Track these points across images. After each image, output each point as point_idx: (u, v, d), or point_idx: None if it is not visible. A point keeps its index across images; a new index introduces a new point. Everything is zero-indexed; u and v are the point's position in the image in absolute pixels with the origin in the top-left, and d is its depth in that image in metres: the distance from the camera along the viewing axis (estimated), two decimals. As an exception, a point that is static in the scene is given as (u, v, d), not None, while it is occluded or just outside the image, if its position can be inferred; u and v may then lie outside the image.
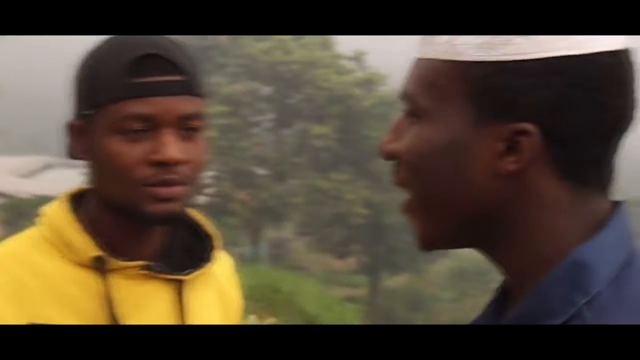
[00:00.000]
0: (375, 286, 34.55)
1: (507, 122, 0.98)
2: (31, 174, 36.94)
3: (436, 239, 1.08)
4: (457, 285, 35.68)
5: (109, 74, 1.48)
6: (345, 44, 32.79)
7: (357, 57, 33.31)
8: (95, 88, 1.50)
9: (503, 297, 1.11)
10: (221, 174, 29.70)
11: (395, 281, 36.05)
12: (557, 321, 0.97)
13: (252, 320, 11.83)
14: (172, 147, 1.48)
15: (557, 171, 1.00)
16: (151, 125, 1.48)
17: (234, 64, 31.04)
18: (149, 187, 1.48)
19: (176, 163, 1.48)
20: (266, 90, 31.91)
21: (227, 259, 1.76)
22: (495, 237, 1.04)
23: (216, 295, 1.68)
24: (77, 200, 1.59)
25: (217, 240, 1.66)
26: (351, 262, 35.84)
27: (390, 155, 1.09)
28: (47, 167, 37.87)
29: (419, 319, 32.83)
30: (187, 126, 1.50)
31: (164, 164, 1.48)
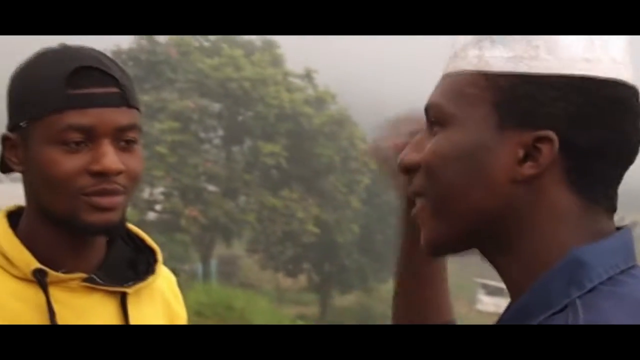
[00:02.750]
0: (326, 304, 34.55)
1: (528, 130, 1.07)
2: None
3: (443, 242, 1.15)
4: (406, 303, 35.77)
5: (47, 85, 1.48)
6: (296, 62, 32.87)
7: (308, 75, 33.43)
8: (32, 100, 1.49)
9: None
10: (171, 190, 29.55)
11: (345, 299, 36.13)
12: (552, 311, 1.04)
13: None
14: (112, 157, 1.48)
15: (569, 184, 1.08)
16: (90, 137, 1.48)
17: (184, 79, 30.95)
18: (89, 197, 1.48)
19: (116, 173, 1.48)
20: (216, 106, 31.86)
21: (171, 275, 1.76)
22: (503, 242, 1.11)
23: (162, 309, 1.68)
24: (15, 217, 1.59)
25: (159, 254, 1.66)
26: (302, 280, 35.87)
27: (408, 166, 1.16)
28: (-6, 182, 37.40)
29: (369, 337, 32.82)
30: (124, 137, 1.51)
31: (104, 174, 1.48)
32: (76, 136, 1.47)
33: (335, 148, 31.48)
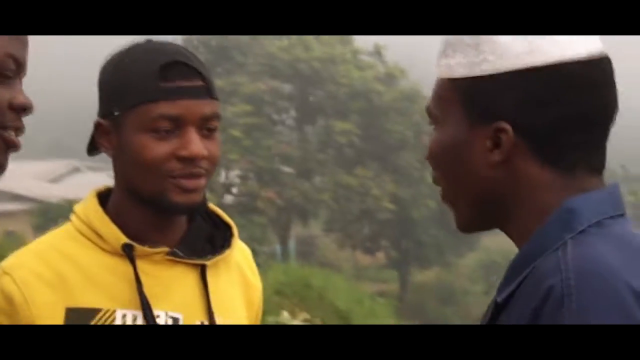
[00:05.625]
0: (405, 281, 34.56)
1: (489, 123, 1.25)
2: (59, 178, 37.12)
3: (466, 222, 1.33)
4: (486, 277, 35.65)
5: (140, 78, 1.62)
6: (364, 39, 32.79)
7: (377, 52, 33.34)
8: (126, 91, 1.63)
9: None
10: (247, 173, 29.80)
11: (424, 275, 36.04)
12: (547, 253, 1.19)
13: (285, 316, 11.81)
14: (197, 144, 1.63)
15: (539, 158, 1.24)
16: (177, 125, 1.63)
17: (254, 62, 31.11)
18: (176, 179, 1.63)
19: (201, 158, 1.63)
20: (287, 88, 31.97)
21: (246, 248, 1.90)
22: (504, 216, 1.28)
23: (238, 280, 1.82)
24: (104, 197, 1.74)
25: (235, 229, 1.81)
26: (380, 257, 35.91)
27: (427, 160, 1.36)
28: (74, 171, 38.03)
29: (450, 313, 32.79)
30: (207, 126, 1.66)
31: (190, 159, 1.63)
32: (166, 124, 1.62)
33: (408, 123, 31.38)
